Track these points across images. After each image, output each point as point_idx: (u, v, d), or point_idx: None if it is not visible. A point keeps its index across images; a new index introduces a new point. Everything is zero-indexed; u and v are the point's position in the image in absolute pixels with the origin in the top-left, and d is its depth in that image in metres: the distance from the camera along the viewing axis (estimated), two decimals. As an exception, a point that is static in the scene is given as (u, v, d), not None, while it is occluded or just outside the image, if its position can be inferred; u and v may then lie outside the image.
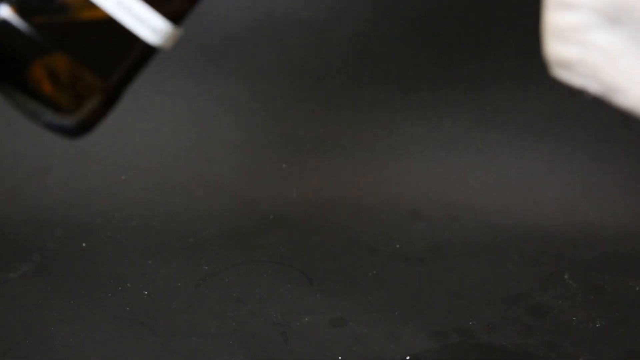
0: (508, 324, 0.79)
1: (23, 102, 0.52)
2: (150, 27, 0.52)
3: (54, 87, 0.51)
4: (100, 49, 0.51)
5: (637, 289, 0.83)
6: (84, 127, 0.53)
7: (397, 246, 0.88)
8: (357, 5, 0.91)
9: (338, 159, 0.93)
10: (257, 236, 0.88)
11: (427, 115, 0.93)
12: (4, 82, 0.51)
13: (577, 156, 0.92)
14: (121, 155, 0.92)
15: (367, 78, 0.94)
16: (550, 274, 0.85)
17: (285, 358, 0.75)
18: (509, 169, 0.92)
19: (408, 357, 0.75)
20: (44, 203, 0.90)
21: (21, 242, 0.86)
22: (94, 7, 0.50)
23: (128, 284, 0.81)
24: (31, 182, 0.91)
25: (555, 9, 0.49)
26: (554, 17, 0.49)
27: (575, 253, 0.87)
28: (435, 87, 0.93)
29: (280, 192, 0.91)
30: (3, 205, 0.89)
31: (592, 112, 0.92)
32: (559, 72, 0.51)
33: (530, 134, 0.92)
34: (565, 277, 0.85)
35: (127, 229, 0.88)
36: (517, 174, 0.92)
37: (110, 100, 0.53)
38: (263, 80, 0.93)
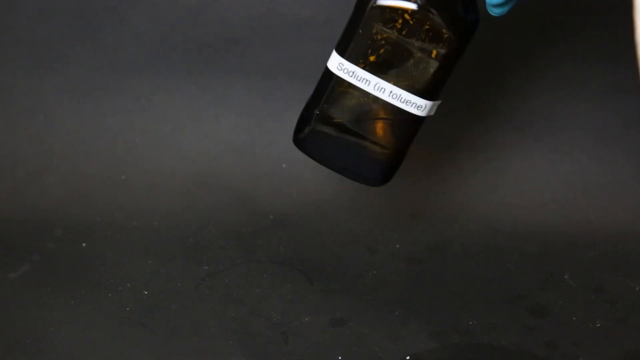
0: (508, 324, 0.79)
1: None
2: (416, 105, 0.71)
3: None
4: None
5: (637, 289, 0.83)
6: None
7: (397, 246, 0.88)
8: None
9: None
10: (257, 236, 0.88)
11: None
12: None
13: (577, 156, 0.92)
14: (121, 155, 0.92)
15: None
16: (550, 274, 0.85)
17: (285, 358, 0.75)
18: (509, 169, 0.92)
19: (408, 357, 0.75)
20: (44, 203, 0.90)
21: (21, 242, 0.86)
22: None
23: (128, 284, 0.81)
24: (31, 182, 0.91)
25: None
26: None
27: (575, 253, 0.87)
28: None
29: (280, 192, 0.91)
30: (3, 205, 0.89)
31: (592, 112, 0.92)
32: None
33: (530, 134, 0.92)
34: (565, 277, 0.85)
35: (127, 229, 0.88)
36: (517, 174, 0.92)
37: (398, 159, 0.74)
38: (263, 80, 0.93)
